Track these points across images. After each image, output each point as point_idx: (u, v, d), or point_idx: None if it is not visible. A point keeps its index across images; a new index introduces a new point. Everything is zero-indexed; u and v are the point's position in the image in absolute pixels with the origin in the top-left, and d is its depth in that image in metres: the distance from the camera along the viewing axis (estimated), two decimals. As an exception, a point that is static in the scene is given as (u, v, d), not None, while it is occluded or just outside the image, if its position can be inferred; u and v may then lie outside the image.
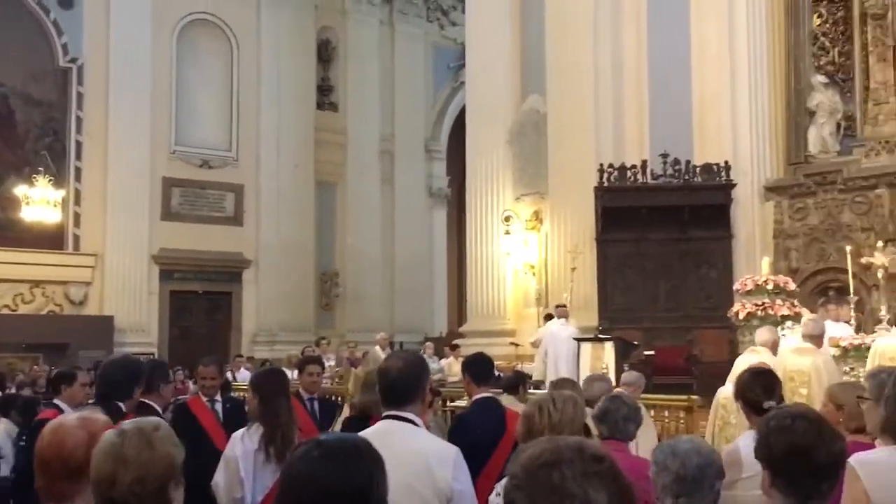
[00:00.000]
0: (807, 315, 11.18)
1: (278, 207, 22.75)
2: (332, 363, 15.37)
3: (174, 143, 21.92)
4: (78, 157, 20.65)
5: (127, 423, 2.25)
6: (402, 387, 3.31)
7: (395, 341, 20.98)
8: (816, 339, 8.43)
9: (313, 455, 1.86)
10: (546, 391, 5.54)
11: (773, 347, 8.41)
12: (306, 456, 1.86)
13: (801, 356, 8.04)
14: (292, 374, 14.77)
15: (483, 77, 17.46)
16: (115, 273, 20.56)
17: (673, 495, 2.63)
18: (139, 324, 20.70)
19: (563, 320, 13.48)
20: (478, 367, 5.21)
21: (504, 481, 1.58)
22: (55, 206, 19.15)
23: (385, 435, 3.18)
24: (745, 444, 3.46)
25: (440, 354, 17.02)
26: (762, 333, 8.85)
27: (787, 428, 2.44)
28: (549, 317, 14.23)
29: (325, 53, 24.47)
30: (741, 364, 8.68)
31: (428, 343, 18.60)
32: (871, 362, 8.46)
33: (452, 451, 3.20)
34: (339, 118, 24.48)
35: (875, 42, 13.91)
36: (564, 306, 13.73)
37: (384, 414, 3.34)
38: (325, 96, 24.50)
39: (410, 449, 3.10)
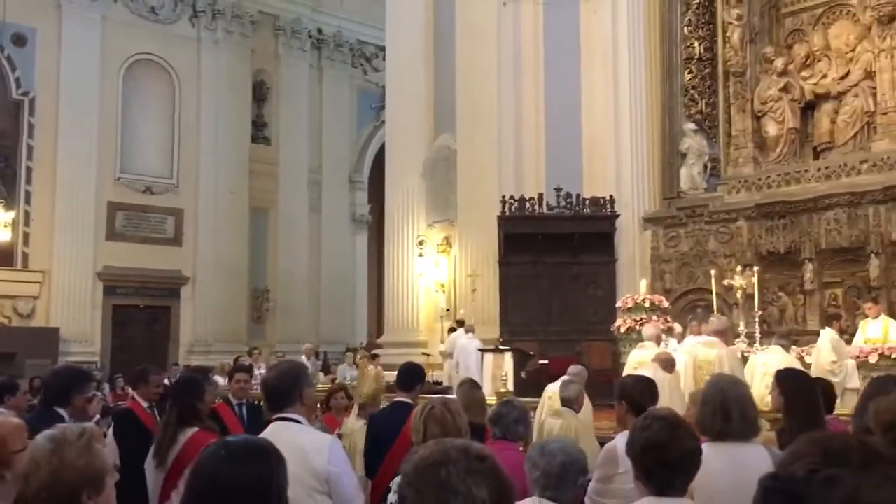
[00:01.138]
0: (678, 329, 11.51)
1: (215, 230, 22.41)
2: (263, 371, 15.11)
3: (119, 171, 21.45)
4: (28, 181, 20.06)
5: (50, 430, 2.16)
6: (281, 393, 3.44)
7: (320, 351, 20.80)
8: (721, 333, 8.78)
9: (220, 454, 1.85)
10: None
11: (657, 341, 8.72)
12: (214, 455, 1.85)
13: (709, 348, 8.42)
14: (225, 382, 14.51)
15: (401, 117, 17.49)
16: (61, 288, 20.05)
17: (541, 488, 2.67)
18: (83, 335, 20.19)
19: (471, 334, 13.55)
20: (402, 376, 5.22)
21: (398, 479, 1.59)
22: (5, 226, 18.57)
23: (274, 434, 3.28)
24: (621, 443, 3.52)
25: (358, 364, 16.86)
26: (648, 329, 9.16)
27: (646, 427, 2.49)
28: (452, 329, 14.30)
29: (259, 93, 24.22)
30: (633, 357, 9.01)
31: (348, 352, 18.46)
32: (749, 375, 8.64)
33: (327, 440, 3.36)
34: (272, 151, 24.24)
35: (736, 96, 14.31)
36: (463, 321, 13.89)
37: (273, 417, 3.45)
38: (260, 131, 24.24)
39: (292, 443, 3.15)
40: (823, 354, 9.07)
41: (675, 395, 7.82)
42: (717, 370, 8.06)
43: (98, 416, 8.14)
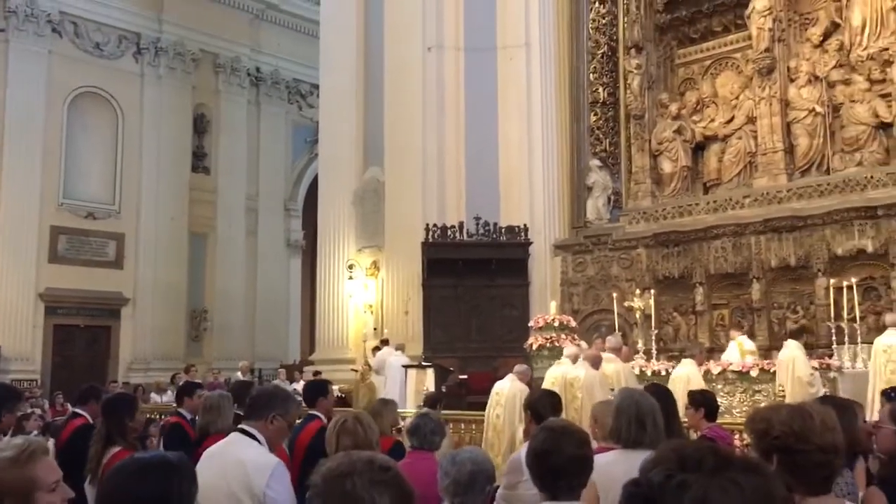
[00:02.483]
0: (567, 346, 11.66)
1: (155, 254, 21.85)
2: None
3: (62, 197, 20.74)
4: (-28, 205, 19.25)
5: None
6: (252, 405, 3.30)
7: (255, 368, 20.43)
8: (616, 350, 9.10)
9: (128, 469, 1.80)
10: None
11: (574, 360, 8.90)
12: (119, 470, 1.80)
13: (608, 363, 8.84)
14: (160, 398, 14.15)
15: (333, 150, 17.42)
16: (2, 308, 19.20)
17: (451, 495, 2.68)
18: (24, 353, 19.37)
19: (399, 352, 13.53)
20: (306, 392, 5.17)
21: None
22: (-51, 248, 17.73)
23: (226, 444, 3.20)
24: (524, 453, 3.58)
25: (292, 378, 16.64)
26: (569, 348, 9.38)
27: (535, 437, 2.55)
28: (376, 348, 14.26)
29: (200, 125, 23.79)
30: (550, 373, 9.22)
31: (281, 369, 18.17)
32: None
33: (272, 463, 3.07)
34: (211, 180, 23.80)
35: (636, 136, 14.72)
36: (387, 340, 13.88)
37: (239, 427, 3.31)
38: (200, 161, 23.78)
39: (238, 458, 3.07)
40: (801, 366, 9.07)
41: (599, 392, 8.23)
42: (614, 382, 8.35)
43: (36, 432, 7.83)
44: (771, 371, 9.86)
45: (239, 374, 15.38)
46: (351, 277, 16.47)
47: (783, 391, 8.77)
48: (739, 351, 10.61)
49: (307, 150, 25.43)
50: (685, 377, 9.11)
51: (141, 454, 1.90)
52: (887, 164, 12.06)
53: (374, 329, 15.79)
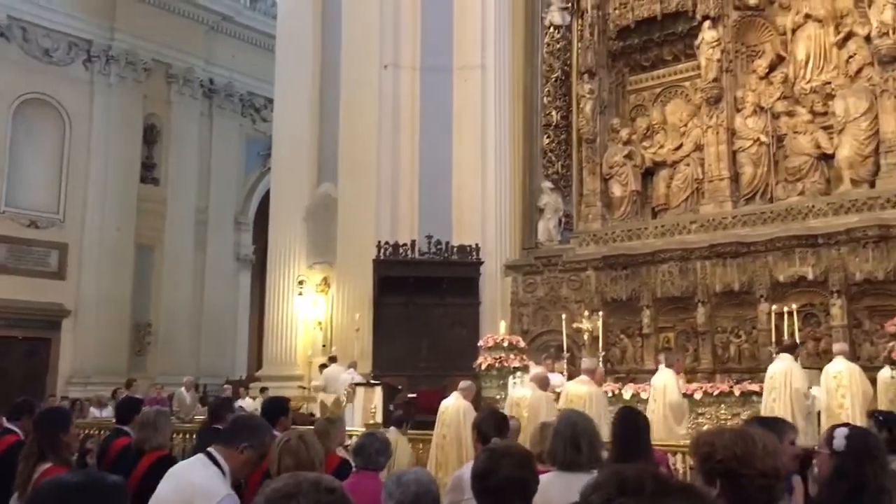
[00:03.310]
0: (533, 367, 11.74)
1: (99, 265, 21.34)
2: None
3: (4, 205, 20.17)
4: None
5: None
6: (224, 431, 3.23)
7: (200, 383, 20.03)
8: (591, 373, 9.20)
9: (54, 491, 1.73)
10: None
11: (539, 382, 9.03)
12: (43, 490, 1.74)
13: (580, 385, 9.00)
14: (100, 413, 13.77)
15: (286, 165, 17.31)
16: (-63, 319, 18.53)
17: (396, 516, 2.65)
18: (-43, 365, 18.68)
19: (352, 370, 13.42)
20: (265, 410, 5.09)
21: None
22: None
23: (190, 464, 3.13)
24: (466, 471, 3.57)
25: (238, 395, 16.33)
26: (536, 371, 9.56)
27: (477, 458, 2.54)
28: (322, 366, 14.14)
29: (150, 136, 23.41)
30: (514, 393, 9.37)
31: (227, 385, 17.85)
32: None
33: (220, 494, 2.93)
34: (160, 191, 23.39)
35: (587, 159, 14.89)
36: (335, 357, 13.78)
37: (207, 449, 3.20)
38: (149, 172, 23.37)
39: (191, 481, 2.98)
40: (798, 379, 9.05)
41: (551, 409, 8.48)
42: (586, 404, 8.45)
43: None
44: (714, 394, 10.04)
45: (183, 389, 15.07)
46: (301, 293, 16.33)
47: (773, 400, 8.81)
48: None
49: (260, 164, 25.21)
50: (661, 386, 9.23)
51: (71, 475, 1.81)
52: (828, 195, 12.41)
53: (323, 346, 15.67)
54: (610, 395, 10.41)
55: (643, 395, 10.46)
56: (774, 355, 9.97)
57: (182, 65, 23.86)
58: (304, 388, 14.81)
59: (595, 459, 3.07)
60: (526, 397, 9.04)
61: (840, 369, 9.03)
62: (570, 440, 3.04)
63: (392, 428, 7.62)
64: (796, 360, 9.50)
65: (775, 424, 3.08)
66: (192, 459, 3.22)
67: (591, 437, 3.02)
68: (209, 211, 24.56)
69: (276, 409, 4.96)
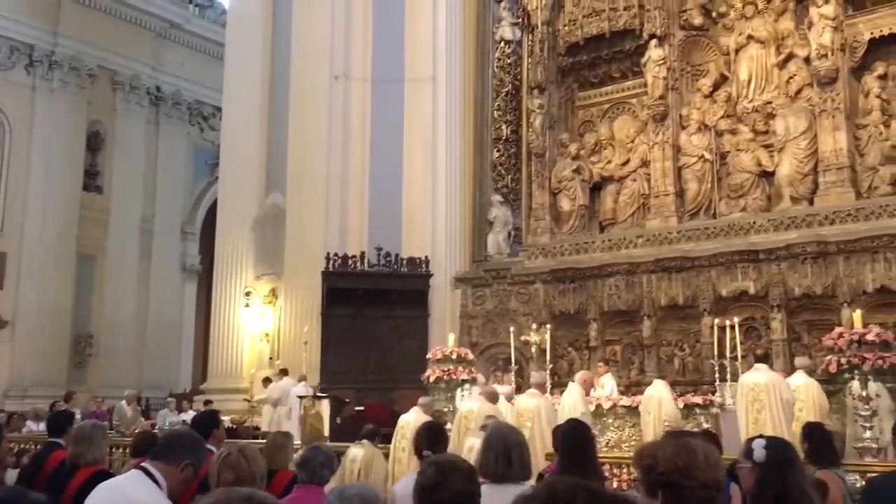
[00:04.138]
0: (481, 379, 11.76)
1: (39, 274, 20.71)
2: (79, 416, 13.99)
3: (-62, 212, 19.51)
4: None
5: None
6: (161, 447, 3.13)
7: (143, 396, 19.55)
8: (540, 386, 9.26)
9: None
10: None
11: (488, 394, 9.04)
12: None
13: (530, 398, 9.07)
14: (37, 427, 13.30)
15: (234, 175, 17.07)
16: None
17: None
18: None
19: (303, 382, 13.25)
20: (197, 423, 4.98)
21: None
22: None
23: (123, 480, 3.05)
24: (399, 487, 3.54)
25: (181, 408, 15.97)
26: (486, 388, 9.58)
27: (423, 471, 2.51)
28: (266, 379, 13.95)
29: (94, 143, 22.89)
30: (460, 406, 9.35)
31: (171, 398, 17.44)
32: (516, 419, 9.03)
33: None
34: (104, 199, 22.85)
35: (536, 174, 15.01)
36: (286, 370, 13.60)
37: (142, 465, 3.11)
38: (92, 180, 22.85)
39: (129, 497, 2.90)
40: (786, 390, 8.87)
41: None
42: (535, 417, 8.54)
43: None
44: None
45: (124, 402, 14.68)
46: (248, 305, 16.10)
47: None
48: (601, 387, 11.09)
49: (208, 173, 24.82)
50: (657, 398, 9.27)
51: None
52: (769, 211, 12.72)
53: (270, 358, 15.46)
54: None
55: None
56: (730, 367, 10.12)
57: (128, 71, 23.43)
58: (249, 400, 14.56)
59: (525, 472, 3.07)
60: (474, 410, 9.03)
61: (799, 384, 9.23)
62: (501, 453, 3.04)
63: (365, 441, 7.55)
64: (771, 368, 9.60)
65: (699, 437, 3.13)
66: (130, 475, 3.14)
67: (522, 449, 3.02)
68: (155, 220, 24.11)
69: (208, 421, 4.86)
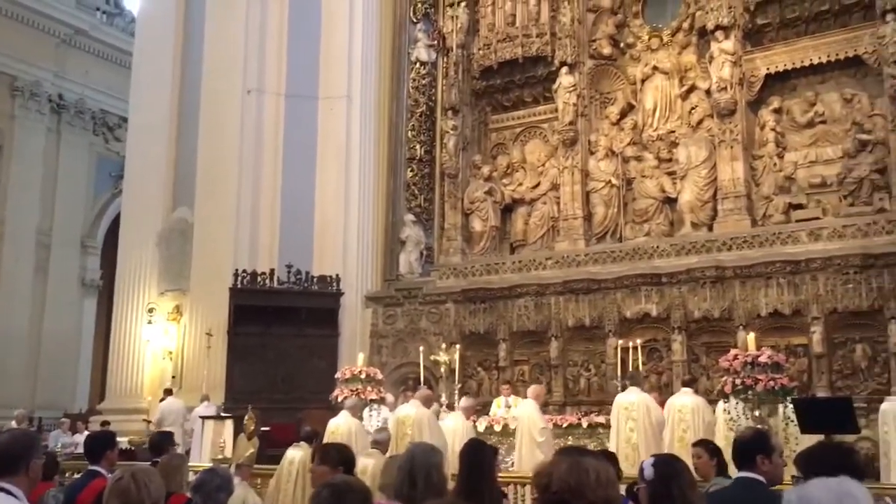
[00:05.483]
0: (389, 398, 11.72)
1: (-76, 287, 19.58)
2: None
3: None
4: None
5: None
6: (6, 458, 3.00)
7: (35, 416, 18.62)
8: (425, 400, 9.75)
9: None
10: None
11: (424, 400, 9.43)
12: None
13: (410, 408, 9.49)
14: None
15: (139, 187, 16.54)
16: None
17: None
18: None
19: (205, 402, 12.90)
20: (89, 445, 4.78)
21: None
22: None
23: None
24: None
25: (75, 429, 15.31)
26: (349, 401, 9.69)
27: (318, 493, 2.49)
28: (166, 395, 13.58)
29: (-11, 150, 21.89)
30: (397, 412, 9.84)
31: (65, 419, 16.70)
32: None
33: None
34: (-2, 210, 21.83)
35: (449, 194, 15.14)
36: (171, 390, 13.34)
37: None
38: (-14, 189, 21.81)
39: None
40: (708, 412, 9.27)
41: (434, 428, 9.03)
42: (414, 424, 8.72)
43: None
44: (564, 426, 10.36)
45: (13, 423, 13.93)
46: (150, 322, 15.58)
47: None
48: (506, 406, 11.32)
49: (111, 185, 24.02)
50: (643, 407, 9.31)
51: None
52: (671, 236, 13.18)
53: (173, 377, 14.99)
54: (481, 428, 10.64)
55: (496, 428, 10.65)
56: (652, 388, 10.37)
57: (29, 77, 22.49)
58: (149, 421, 14.05)
59: (432, 493, 3.07)
60: (410, 415, 9.27)
61: (686, 403, 9.55)
62: (407, 474, 3.04)
63: (302, 443, 7.62)
64: (696, 392, 9.91)
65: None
66: None
67: (429, 470, 3.02)
68: (53, 232, 23.11)
69: (101, 443, 4.67)
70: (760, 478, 3.40)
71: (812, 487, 2.11)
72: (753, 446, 3.52)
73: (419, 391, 10.27)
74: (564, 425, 10.45)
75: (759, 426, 7.49)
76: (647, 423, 9.10)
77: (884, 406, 9.14)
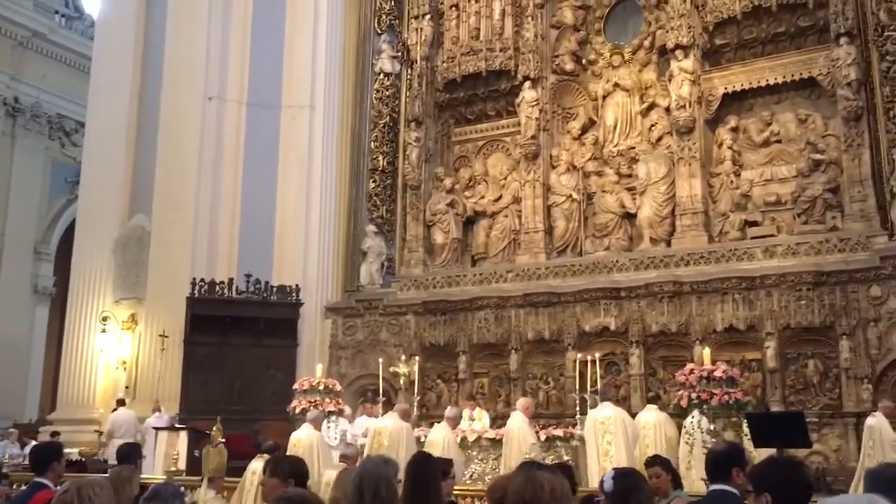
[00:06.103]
0: (347, 410, 11.65)
1: None
2: None
3: None
4: None
5: None
6: None
7: (-19, 427, 18.12)
8: (451, 420, 9.91)
9: None
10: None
11: (317, 425, 8.97)
12: None
13: (438, 431, 9.65)
14: None
15: (96, 193, 16.22)
16: None
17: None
18: None
19: (157, 413, 12.70)
20: (34, 456, 4.65)
21: None
22: None
23: None
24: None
25: (23, 441, 14.94)
26: (311, 413, 9.76)
27: None
28: (118, 406, 13.38)
29: (-61, 153, 21.36)
30: (375, 423, 9.91)
31: (13, 429, 16.29)
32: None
33: None
34: (-53, 214, 21.29)
35: (411, 206, 15.16)
36: (123, 400, 13.17)
37: None
38: (-64, 192, 21.26)
39: None
40: (671, 428, 9.51)
41: (410, 440, 9.29)
42: (391, 436, 8.81)
43: None
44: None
45: (-41, 434, 13.58)
46: (105, 330, 15.27)
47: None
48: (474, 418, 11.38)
49: (67, 191, 23.57)
50: (619, 420, 9.31)
51: None
52: (630, 251, 13.33)
53: (126, 387, 14.72)
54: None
55: (483, 443, 10.58)
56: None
57: (-18, 79, 22.03)
58: (101, 432, 13.76)
59: None
60: (387, 427, 9.36)
61: (649, 419, 9.70)
62: (356, 488, 3.03)
63: (265, 455, 7.58)
64: (660, 409, 10.06)
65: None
66: None
67: (377, 483, 3.00)
68: (4, 238, 22.60)
69: (46, 454, 4.53)
70: (735, 490, 3.40)
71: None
72: (728, 460, 3.49)
73: (398, 405, 10.38)
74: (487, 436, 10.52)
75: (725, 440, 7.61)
76: (624, 438, 9.16)
77: (869, 421, 9.29)
